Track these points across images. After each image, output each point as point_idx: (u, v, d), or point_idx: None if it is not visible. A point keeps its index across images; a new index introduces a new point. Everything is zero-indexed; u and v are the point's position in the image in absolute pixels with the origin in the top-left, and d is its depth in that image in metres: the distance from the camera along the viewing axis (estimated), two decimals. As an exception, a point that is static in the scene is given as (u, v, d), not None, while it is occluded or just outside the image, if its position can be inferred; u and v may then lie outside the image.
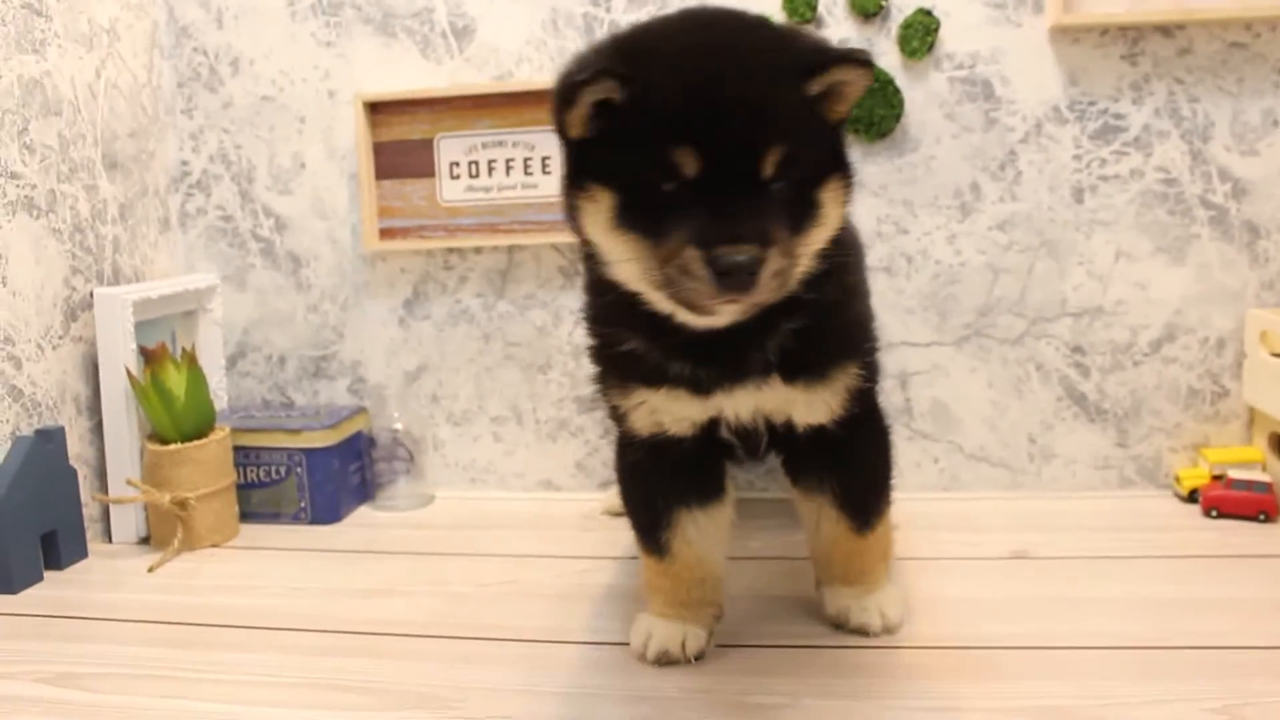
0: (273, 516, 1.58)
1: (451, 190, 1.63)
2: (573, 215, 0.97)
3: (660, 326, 0.99)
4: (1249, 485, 1.42)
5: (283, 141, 1.69)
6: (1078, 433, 1.56)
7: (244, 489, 1.58)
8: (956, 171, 1.53)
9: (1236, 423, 1.54)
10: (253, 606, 1.27)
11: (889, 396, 1.57)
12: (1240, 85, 1.48)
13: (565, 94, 0.91)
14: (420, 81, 1.63)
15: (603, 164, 0.92)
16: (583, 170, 0.94)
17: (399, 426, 1.63)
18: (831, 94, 0.95)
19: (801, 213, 0.93)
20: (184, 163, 1.72)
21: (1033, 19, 1.50)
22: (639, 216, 0.91)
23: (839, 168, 0.97)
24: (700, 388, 1.03)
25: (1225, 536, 1.37)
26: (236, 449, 1.56)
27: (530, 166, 1.60)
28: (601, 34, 1.56)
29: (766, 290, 0.89)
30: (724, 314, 0.92)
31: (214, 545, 1.49)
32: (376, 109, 1.63)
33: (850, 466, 1.12)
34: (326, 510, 1.58)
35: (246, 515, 1.57)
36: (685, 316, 0.95)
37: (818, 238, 0.95)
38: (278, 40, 1.67)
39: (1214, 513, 1.43)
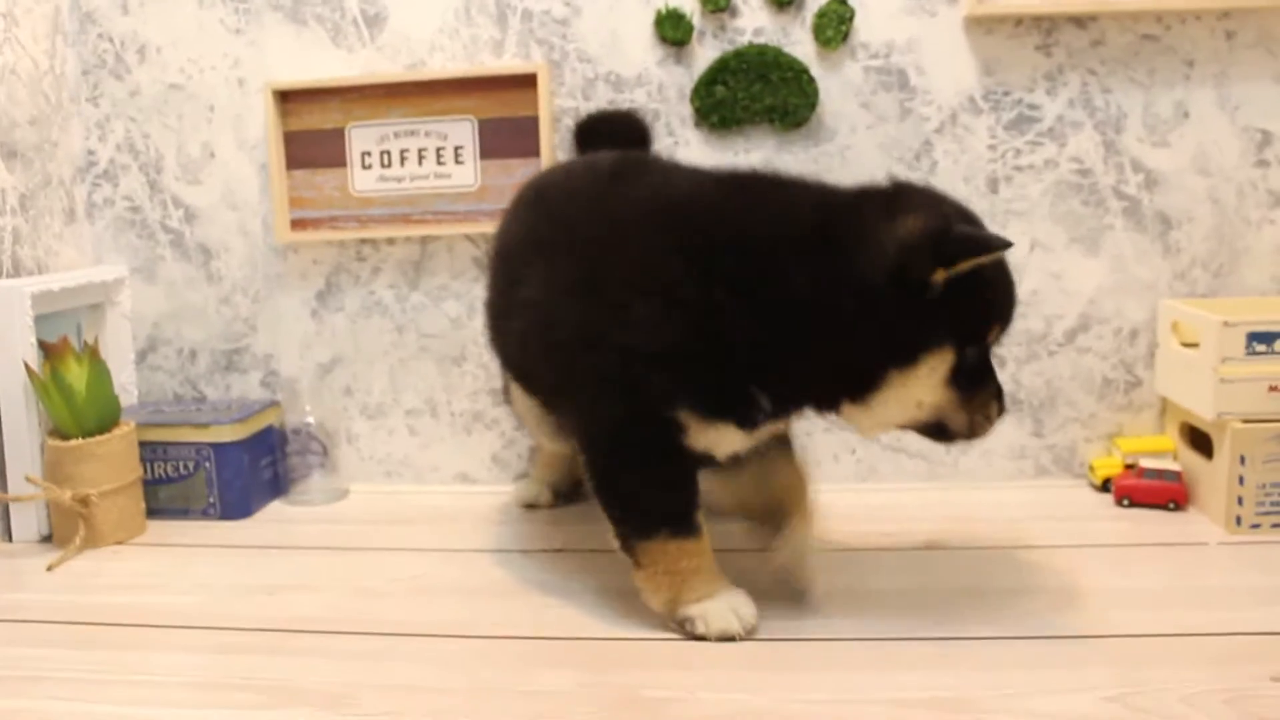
0: (181, 512, 1.55)
1: (363, 180, 1.60)
2: (896, 360, 1.00)
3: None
4: (1160, 474, 1.43)
5: (192, 131, 1.65)
6: (994, 423, 1.57)
7: (152, 485, 1.54)
8: (872, 161, 1.52)
9: (1149, 412, 1.55)
10: (156, 604, 1.24)
11: (807, 388, 1.57)
12: (1151, 77, 1.49)
13: (975, 249, 0.97)
14: (331, 70, 1.60)
15: (945, 324, 0.99)
16: (930, 326, 0.99)
17: (312, 420, 1.60)
18: None
19: None
20: (90, 152, 1.68)
21: (947, 9, 1.50)
22: (959, 375, 1.01)
23: None
24: (759, 426, 1.10)
25: (1137, 525, 1.38)
26: (144, 444, 1.52)
27: (443, 156, 1.57)
28: (515, 22, 1.55)
29: None
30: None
31: (119, 542, 1.45)
32: (287, 98, 1.60)
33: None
34: (236, 506, 1.54)
35: (155, 511, 1.53)
36: (872, 430, 1.09)
37: None
38: (186, 27, 1.63)
39: (1126, 501, 1.44)
